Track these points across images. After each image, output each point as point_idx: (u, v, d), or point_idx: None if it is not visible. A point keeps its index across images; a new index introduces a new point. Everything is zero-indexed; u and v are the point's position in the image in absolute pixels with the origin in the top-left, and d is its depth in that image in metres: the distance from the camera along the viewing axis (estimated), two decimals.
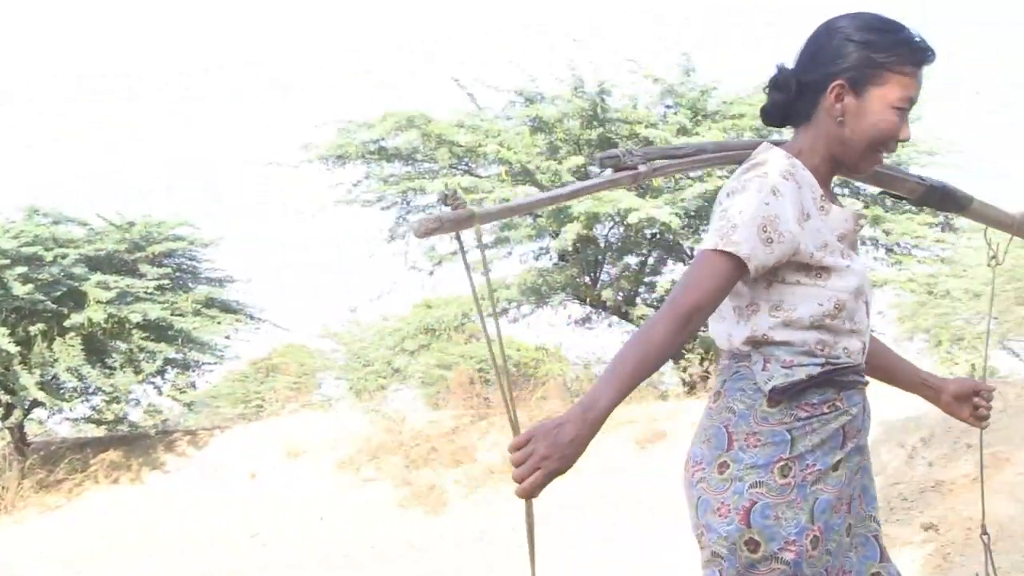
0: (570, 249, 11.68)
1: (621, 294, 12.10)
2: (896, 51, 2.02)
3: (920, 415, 7.75)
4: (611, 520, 8.49)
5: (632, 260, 12.71)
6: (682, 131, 11.28)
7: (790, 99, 2.09)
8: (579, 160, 11.40)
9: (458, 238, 1.97)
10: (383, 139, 11.87)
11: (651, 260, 12.77)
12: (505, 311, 12.30)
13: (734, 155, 2.19)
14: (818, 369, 1.98)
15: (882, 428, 7.89)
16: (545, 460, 1.68)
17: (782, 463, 1.95)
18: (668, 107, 12.09)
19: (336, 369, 18.37)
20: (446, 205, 1.96)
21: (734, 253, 1.89)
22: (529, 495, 1.70)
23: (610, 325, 13.04)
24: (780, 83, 2.11)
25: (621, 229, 11.79)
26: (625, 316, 12.31)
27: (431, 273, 12.39)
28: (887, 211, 11.59)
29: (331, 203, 12.42)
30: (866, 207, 11.29)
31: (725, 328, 2.05)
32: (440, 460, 10.60)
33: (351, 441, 11.20)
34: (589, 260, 12.25)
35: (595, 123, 11.42)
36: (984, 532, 2.43)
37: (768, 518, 1.92)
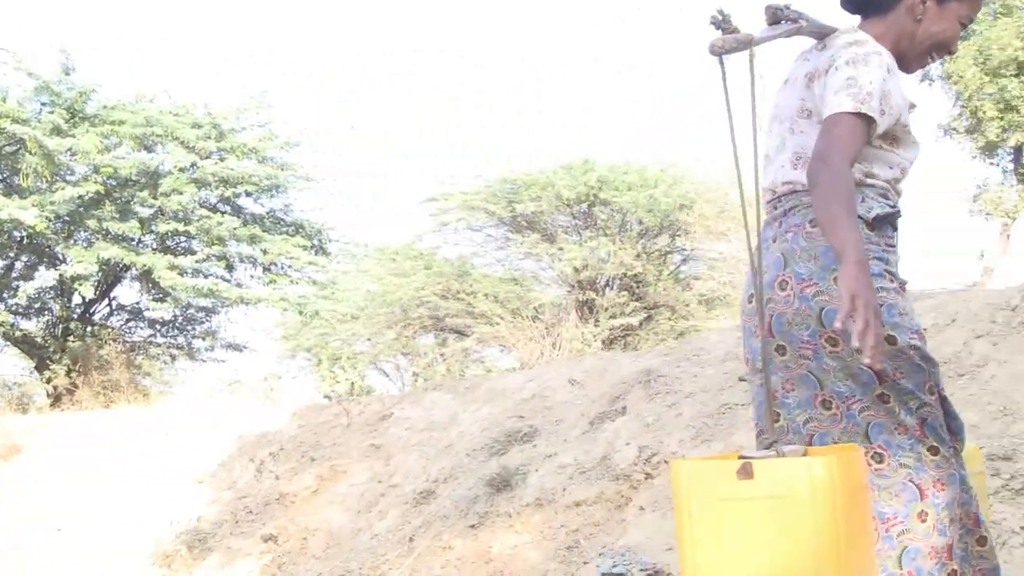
0: None
1: None
2: None
3: (274, 431, 8.14)
4: None
5: None
6: (56, 131, 10.78)
7: None
8: None
9: (721, 63, 2.12)
10: None
11: (19, 264, 12.03)
12: None
13: (818, 31, 2.38)
14: (893, 208, 2.34)
15: (236, 444, 8.19)
16: (875, 319, 1.93)
17: (888, 273, 2.27)
18: (44, 105, 11.50)
19: None
20: (718, 28, 2.12)
21: (872, 116, 2.19)
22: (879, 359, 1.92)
23: None
24: None
25: None
26: None
27: None
28: (265, 231, 12.00)
29: None
30: (244, 224, 11.68)
31: None
32: None
33: None
34: None
35: None
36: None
37: (894, 315, 2.21)
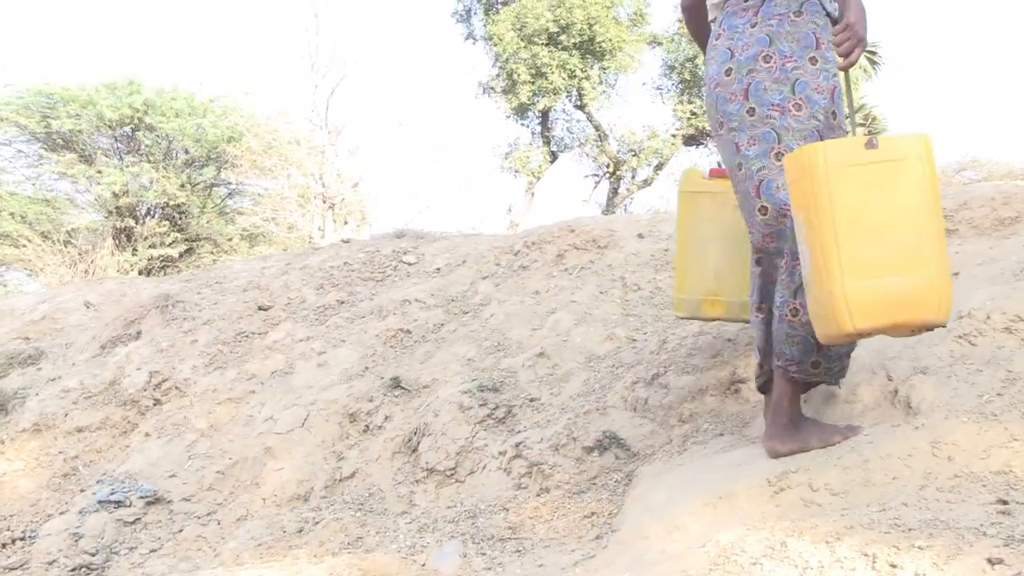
0: None
1: None
2: None
3: None
4: None
5: None
6: None
7: None
8: None
9: None
10: None
11: None
12: None
13: None
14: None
15: None
16: (862, 40, 2.75)
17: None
18: None
19: None
20: None
21: None
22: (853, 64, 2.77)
23: None
24: None
25: None
26: None
27: None
28: None
29: None
30: None
31: None
32: None
33: None
34: None
35: None
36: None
37: (840, 99, 2.92)
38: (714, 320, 3.71)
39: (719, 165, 3.47)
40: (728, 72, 2.99)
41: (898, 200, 2.49)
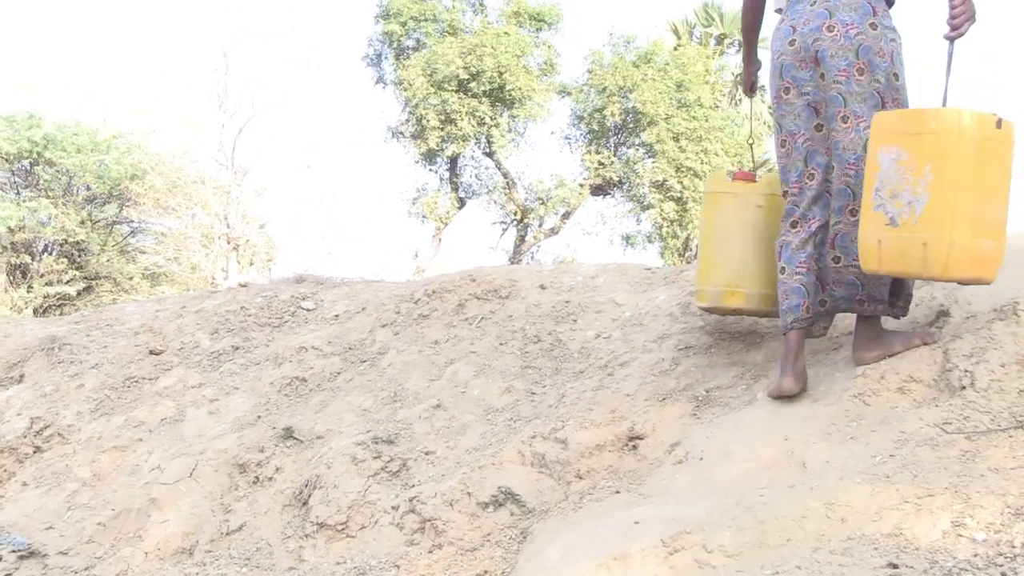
0: None
1: None
2: None
3: None
4: None
5: None
6: None
7: None
8: None
9: None
10: None
11: None
12: None
13: None
14: None
15: None
16: (974, 16, 2.94)
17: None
18: None
19: None
20: None
21: None
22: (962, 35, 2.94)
23: None
24: None
25: None
26: None
27: None
28: None
29: None
30: None
31: None
32: None
33: None
34: None
35: None
36: None
37: (899, 61, 3.22)
38: (734, 311, 3.89)
39: (742, 168, 3.93)
40: (792, 43, 3.33)
41: (1003, 175, 2.89)
